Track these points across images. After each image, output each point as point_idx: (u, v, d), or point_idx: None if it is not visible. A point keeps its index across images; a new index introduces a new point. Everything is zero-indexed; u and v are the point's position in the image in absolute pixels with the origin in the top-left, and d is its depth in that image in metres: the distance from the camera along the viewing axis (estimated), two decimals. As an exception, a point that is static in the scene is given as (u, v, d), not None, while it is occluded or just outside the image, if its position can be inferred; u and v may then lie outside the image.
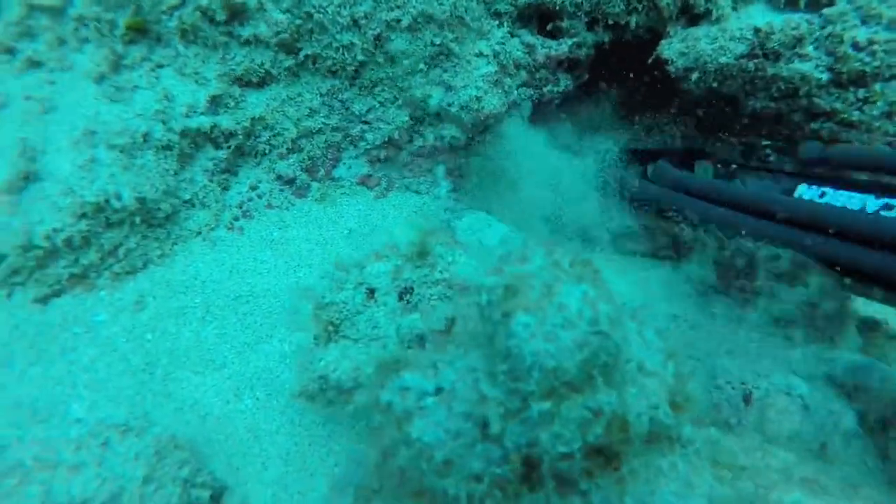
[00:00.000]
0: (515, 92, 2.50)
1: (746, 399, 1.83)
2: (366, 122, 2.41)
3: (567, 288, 0.83)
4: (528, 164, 2.51)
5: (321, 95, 2.32)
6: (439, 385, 0.90)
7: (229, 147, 2.18)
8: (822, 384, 2.00)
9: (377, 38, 2.24)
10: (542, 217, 2.47)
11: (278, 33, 2.14)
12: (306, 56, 2.22)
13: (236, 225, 2.18)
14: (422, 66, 2.33)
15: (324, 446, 1.74)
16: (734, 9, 2.53)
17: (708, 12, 2.54)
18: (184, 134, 1.99)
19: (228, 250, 2.11)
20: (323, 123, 2.35)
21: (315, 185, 2.39)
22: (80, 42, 1.84)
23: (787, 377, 1.95)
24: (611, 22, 2.50)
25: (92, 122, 1.78)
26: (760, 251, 2.10)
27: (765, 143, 2.40)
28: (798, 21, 2.37)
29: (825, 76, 2.34)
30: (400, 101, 2.39)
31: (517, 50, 2.46)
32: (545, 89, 2.62)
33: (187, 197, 2.07)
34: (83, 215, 1.74)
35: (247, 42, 2.14)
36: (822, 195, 2.07)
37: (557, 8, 2.44)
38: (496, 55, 2.38)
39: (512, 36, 2.48)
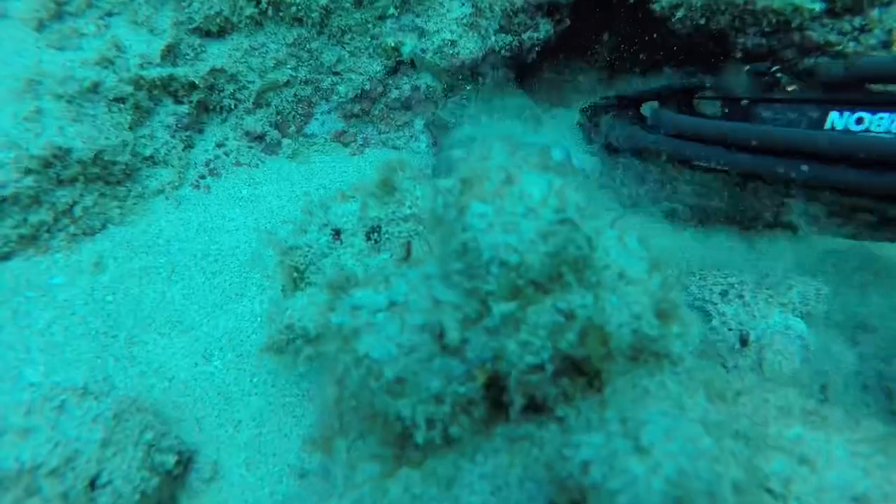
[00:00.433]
0: (493, 38, 2.37)
1: (743, 340, 1.74)
2: (336, 74, 2.28)
3: (529, 177, 0.72)
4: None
5: (287, 45, 2.18)
6: (392, 299, 0.79)
7: (192, 101, 2.06)
8: (822, 324, 1.92)
9: (343, -21, 2.11)
10: None
11: (237, -23, 2.01)
12: (269, 2, 2.09)
13: (202, 183, 2.07)
14: (392, 10, 2.20)
15: (298, 406, 1.65)
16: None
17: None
18: (138, 85, 1.87)
19: (195, 209, 1.99)
20: (291, 76, 2.22)
21: (286, 141, 2.27)
22: (17, -14, 1.71)
23: (786, 318, 1.86)
24: (591, -42, 2.37)
25: (33, 71, 1.65)
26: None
27: (774, 68, 2.10)
28: (788, -53, 2.24)
29: (818, 6, 2.21)
30: (371, 50, 2.26)
31: (494, -8, 2.32)
32: (524, 35, 2.48)
33: (148, 153, 1.94)
34: (29, 170, 1.62)
35: (203, -13, 2.00)
36: (860, 121, 1.81)
37: (534, -56, 2.31)
38: (471, -4, 2.25)
39: (488, -23, 2.35)
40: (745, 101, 2.12)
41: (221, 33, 2.10)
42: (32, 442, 1.30)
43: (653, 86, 2.44)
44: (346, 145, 2.36)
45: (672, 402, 0.85)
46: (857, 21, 2.18)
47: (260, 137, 2.22)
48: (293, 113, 2.28)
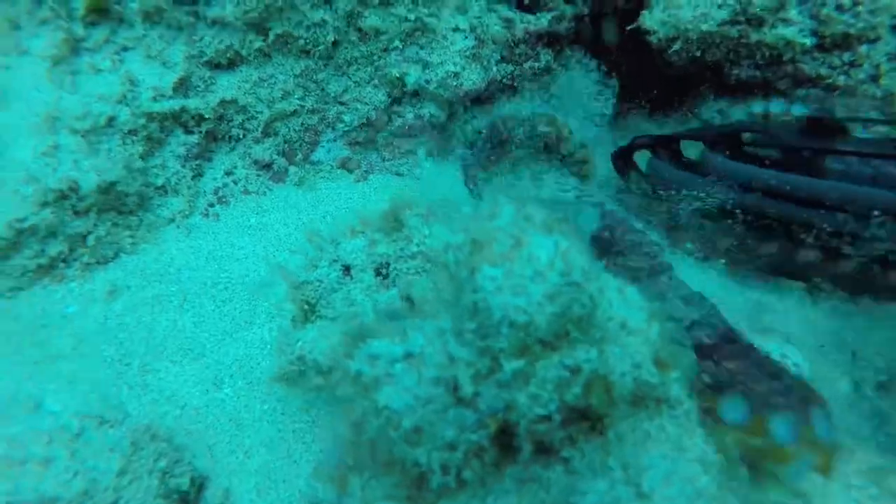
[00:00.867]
0: (495, 68, 2.44)
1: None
2: (342, 103, 2.35)
3: (537, 239, 0.78)
4: None
5: (295, 76, 2.25)
6: (408, 350, 0.85)
7: (201, 131, 2.12)
8: (817, 352, 1.97)
9: (349, 14, 2.18)
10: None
11: (247, 12, 2.07)
12: (277, 36, 2.16)
13: (212, 211, 2.12)
14: (397, 42, 2.27)
15: (308, 432, 1.69)
16: (715, -24, 2.47)
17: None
18: (151, 118, 1.93)
19: (204, 237, 2.05)
20: (298, 105, 2.29)
21: (293, 169, 2.33)
22: (36, 25, 1.77)
23: (783, 346, 1.91)
24: (590, -7, 2.45)
25: (52, 107, 1.71)
26: None
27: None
28: (780, -17, 2.32)
29: (809, 41, 2.29)
30: (376, 80, 2.33)
31: (495, 24, 2.40)
32: (525, 65, 2.56)
33: (159, 183, 2.00)
34: (46, 203, 1.67)
35: (214, 22, 2.07)
36: None
37: (534, -20, 2.38)
38: (473, 29, 2.32)
39: (489, 10, 2.42)
40: (807, 152, 1.94)
41: (231, 65, 2.16)
42: (52, 472, 1.34)
43: (693, 126, 2.39)
44: (351, 172, 2.42)
45: (672, 445, 0.91)
46: (847, 56, 2.26)
47: (268, 166, 2.28)
48: (300, 141, 2.34)
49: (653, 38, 2.54)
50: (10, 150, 1.65)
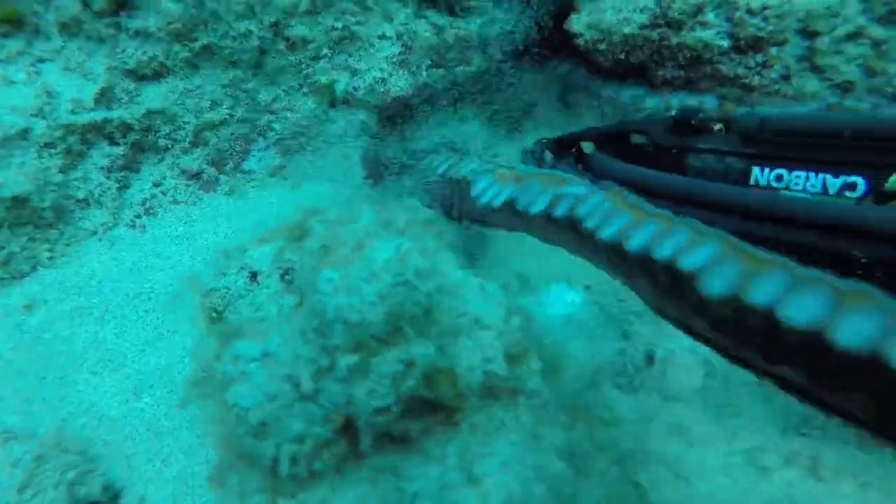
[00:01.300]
0: (425, 73, 2.48)
1: (649, 359, 1.85)
2: (272, 112, 2.37)
3: (379, 243, 0.81)
4: None
5: (223, 86, 2.26)
6: (266, 350, 0.87)
7: (127, 143, 2.12)
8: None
9: (275, 24, 2.20)
10: None
11: (170, 23, 2.08)
12: (203, 46, 2.17)
13: (138, 223, 2.12)
14: (325, 50, 2.30)
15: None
16: (636, -21, 2.55)
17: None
18: (70, 130, 1.93)
19: (129, 248, 2.04)
20: (227, 115, 2.30)
21: (224, 178, 2.34)
22: (-56, 37, 1.76)
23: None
24: (519, -1, 2.51)
25: (-39, 120, 1.71)
26: None
27: (700, 115, 2.14)
28: (697, -13, 2.40)
29: (726, 42, 2.37)
30: (306, 88, 2.35)
31: (424, 31, 2.44)
32: (458, 70, 2.61)
33: (81, 196, 2.00)
34: (-46, 219, 1.67)
35: (137, 33, 2.08)
36: (779, 178, 1.92)
37: (462, -14, 2.43)
38: (400, 36, 2.36)
39: (418, 17, 2.47)
40: (674, 150, 2.15)
41: (157, 76, 2.17)
42: (-50, 489, 1.34)
43: (589, 127, 2.50)
44: (283, 180, 2.43)
45: (526, 434, 0.95)
46: (759, 57, 2.35)
47: (197, 175, 2.28)
48: (230, 150, 2.35)
49: (580, 42, 2.61)
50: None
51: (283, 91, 2.35)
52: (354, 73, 2.34)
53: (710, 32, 2.40)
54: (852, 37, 2.27)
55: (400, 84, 2.34)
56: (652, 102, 2.41)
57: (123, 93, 2.10)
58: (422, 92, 2.53)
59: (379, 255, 0.80)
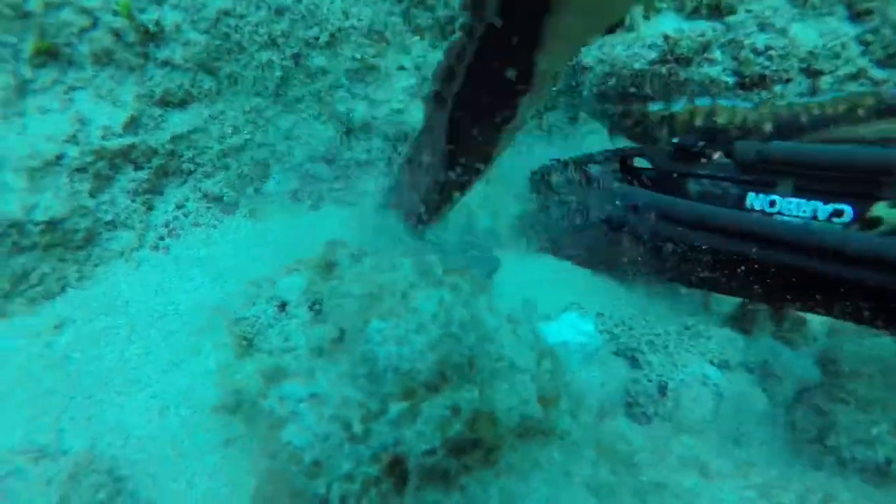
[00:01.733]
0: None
1: (662, 390, 1.92)
2: (292, 138, 2.44)
3: (423, 294, 0.88)
4: None
5: (245, 113, 2.34)
6: (313, 391, 0.93)
7: (151, 167, 2.18)
8: (737, 371, 2.10)
9: (296, 55, 2.28)
10: None
11: (195, 54, 2.16)
12: (226, 75, 2.25)
13: (161, 244, 2.18)
14: (344, 80, 2.38)
15: (252, 460, 1.75)
16: (646, 17, 2.65)
17: (622, 21, 2.65)
18: (100, 155, 1.99)
19: (153, 270, 2.10)
20: (248, 140, 2.37)
21: (243, 201, 2.40)
22: (-19, 68, 1.83)
23: (703, 367, 2.04)
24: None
25: None
26: None
27: (700, 143, 2.30)
28: (704, 28, 2.51)
29: (731, 79, 2.47)
30: (324, 116, 2.43)
31: (440, 62, 2.52)
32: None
33: (108, 218, 2.06)
34: (-9, 241, 1.72)
35: (164, 63, 2.15)
36: (773, 204, 2.06)
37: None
38: (418, 68, 2.44)
39: (435, 48, 2.55)
40: (675, 174, 2.31)
41: (183, 104, 2.23)
42: (-14, 508, 1.38)
43: (599, 150, 2.61)
44: (301, 203, 2.50)
45: (558, 471, 1.01)
46: (764, 94, 2.44)
47: (218, 198, 2.35)
48: (251, 175, 2.42)
49: (589, 75, 2.70)
50: (-45, 191, 1.69)
51: (302, 118, 2.42)
52: (372, 102, 2.42)
53: (717, 69, 2.49)
54: (853, 77, 2.37)
55: (417, 115, 2.42)
56: (677, 107, 2.52)
57: (150, 119, 2.17)
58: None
59: (424, 307, 0.87)
